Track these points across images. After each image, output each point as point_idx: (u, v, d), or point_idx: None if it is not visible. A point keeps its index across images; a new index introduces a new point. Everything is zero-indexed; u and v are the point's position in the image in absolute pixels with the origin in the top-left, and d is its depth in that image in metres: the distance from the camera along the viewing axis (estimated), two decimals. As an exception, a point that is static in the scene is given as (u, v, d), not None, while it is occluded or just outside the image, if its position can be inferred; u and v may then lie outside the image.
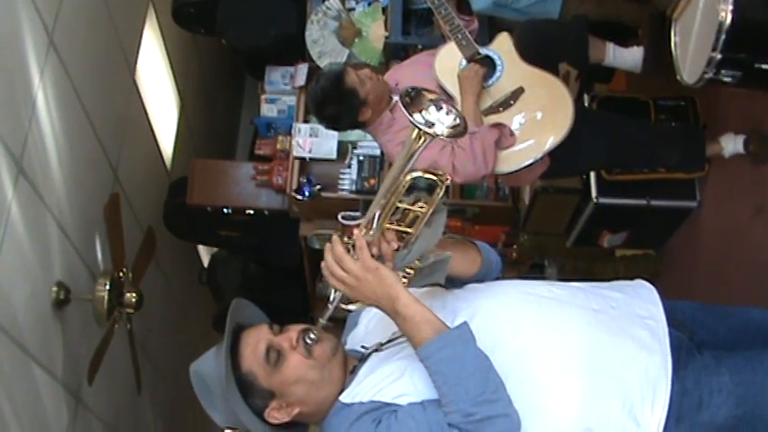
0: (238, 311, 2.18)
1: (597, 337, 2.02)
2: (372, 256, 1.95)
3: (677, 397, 1.98)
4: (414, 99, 1.82)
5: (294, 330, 2.09)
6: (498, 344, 1.98)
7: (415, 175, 1.91)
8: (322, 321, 2.08)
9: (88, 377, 4.34)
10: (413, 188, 1.96)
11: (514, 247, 5.67)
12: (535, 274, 5.78)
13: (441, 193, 1.95)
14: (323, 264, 2.01)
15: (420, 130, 1.79)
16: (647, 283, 2.26)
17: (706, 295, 4.27)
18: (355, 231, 1.96)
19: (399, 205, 1.96)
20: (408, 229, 1.99)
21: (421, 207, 1.97)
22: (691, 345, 2.12)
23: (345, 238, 1.98)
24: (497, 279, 2.30)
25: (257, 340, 2.08)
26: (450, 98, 3.69)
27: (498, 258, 2.32)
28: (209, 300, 7.57)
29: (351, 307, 2.06)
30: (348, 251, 1.97)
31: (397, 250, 1.99)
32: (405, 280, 2.03)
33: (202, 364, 2.15)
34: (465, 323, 1.95)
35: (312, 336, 2.06)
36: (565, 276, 5.50)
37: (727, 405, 2.01)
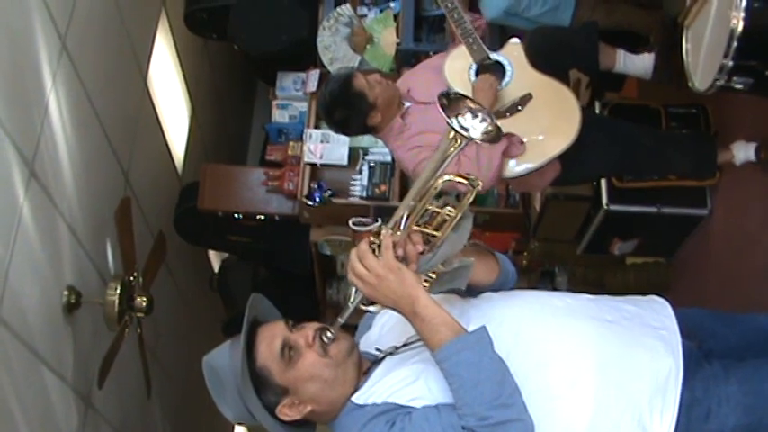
0: (256, 306, 2.19)
1: (610, 347, 2.02)
2: (397, 257, 1.95)
3: (686, 406, 1.98)
4: (452, 102, 1.84)
5: (311, 328, 2.10)
6: (512, 353, 1.97)
7: (447, 178, 1.91)
8: (340, 320, 2.07)
9: (98, 381, 4.35)
10: (442, 192, 1.97)
11: (525, 254, 5.66)
12: (545, 281, 5.77)
13: (471, 197, 1.95)
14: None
15: (456, 132, 1.80)
16: (660, 298, 2.26)
17: (717, 303, 4.26)
18: (383, 231, 1.96)
19: (429, 208, 1.96)
20: (435, 233, 1.99)
21: (449, 211, 1.98)
22: (699, 354, 2.12)
23: (372, 238, 1.97)
24: (512, 289, 2.30)
25: (273, 336, 2.09)
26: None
27: (514, 269, 2.33)
28: (219, 305, 7.58)
29: (370, 308, 2.06)
30: (373, 251, 1.96)
31: (422, 253, 1.99)
32: (426, 284, 2.03)
33: (216, 357, 2.16)
34: (483, 327, 1.94)
35: (329, 334, 2.06)
36: (575, 283, 5.49)
37: (735, 415, 2.01)
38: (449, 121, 1.80)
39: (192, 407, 6.70)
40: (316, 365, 2.06)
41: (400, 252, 1.97)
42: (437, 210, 1.98)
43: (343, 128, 3.85)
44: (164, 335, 6.11)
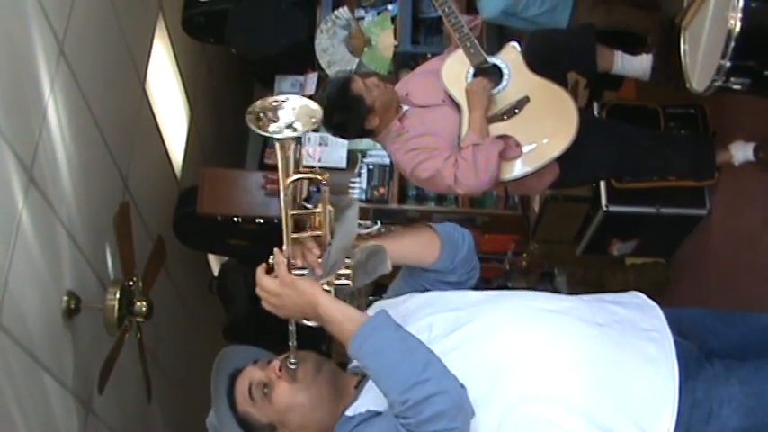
0: (226, 361, 2.23)
1: (602, 350, 2.00)
2: (302, 267, 1.98)
3: (687, 408, 1.95)
4: (258, 115, 1.84)
5: (278, 359, 2.13)
6: (503, 358, 1.96)
7: (293, 178, 1.91)
8: (293, 344, 2.10)
9: (98, 386, 4.35)
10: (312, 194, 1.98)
11: (524, 255, 5.67)
12: (545, 282, 5.78)
13: (326, 190, 1.96)
14: None
15: (279, 140, 1.82)
16: (645, 296, 2.24)
17: (717, 303, 4.26)
18: (275, 250, 1.99)
19: (297, 213, 1.97)
20: (318, 232, 2.00)
21: (315, 207, 1.99)
22: (700, 354, 2.10)
23: (270, 260, 2.00)
24: (505, 289, 2.29)
25: (244, 381, 2.14)
26: (456, 106, 3.71)
27: (462, 232, 2.29)
28: (219, 308, 7.58)
29: (310, 323, 2.05)
30: (270, 272, 2.00)
31: (320, 257, 2.00)
32: (349, 282, 2.04)
33: (213, 416, 2.20)
34: (382, 311, 1.96)
35: (292, 360, 2.09)
36: (574, 284, 5.50)
37: (736, 416, 1.99)
38: (266, 134, 1.82)
39: (193, 411, 6.69)
40: (288, 394, 2.09)
41: (300, 262, 1.99)
42: (312, 211, 1.99)
43: (341, 131, 3.86)
44: (164, 339, 6.11)
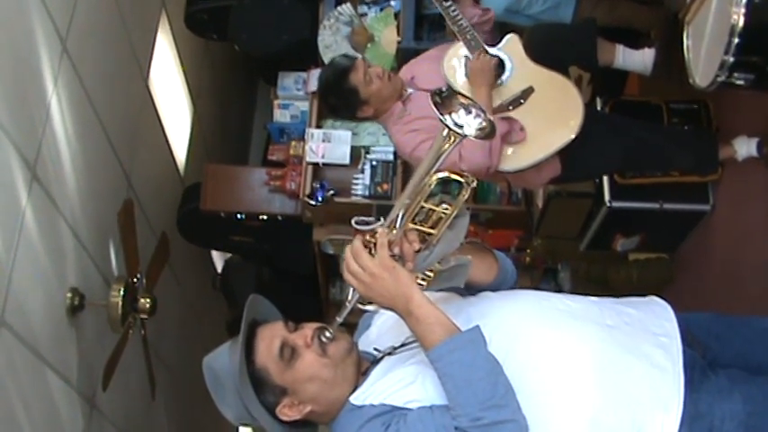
0: (254, 307, 2.18)
1: (610, 353, 2.00)
2: (393, 255, 1.94)
3: (688, 420, 1.95)
4: (445, 100, 1.83)
5: (309, 328, 2.09)
6: (510, 355, 1.96)
7: (441, 175, 1.90)
8: (338, 320, 2.06)
9: (102, 383, 4.35)
10: (437, 190, 1.96)
11: (527, 251, 5.66)
12: (548, 278, 5.77)
13: (466, 195, 1.94)
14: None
15: (450, 129, 1.79)
16: (661, 300, 2.24)
17: (720, 299, 4.26)
18: (378, 230, 1.94)
19: (424, 205, 1.95)
20: (431, 231, 1.98)
21: (445, 209, 1.97)
22: (704, 363, 2.10)
23: (368, 237, 1.95)
24: (512, 288, 2.29)
25: (272, 336, 2.08)
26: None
27: (513, 268, 2.30)
28: (223, 305, 7.58)
29: (368, 307, 2.04)
30: (368, 249, 1.95)
31: (418, 251, 1.97)
32: (424, 283, 2.02)
33: (216, 358, 2.15)
34: (477, 327, 1.93)
35: (327, 334, 2.05)
36: (578, 280, 5.49)
37: None
38: (442, 118, 1.79)
39: (197, 407, 6.70)
40: (314, 366, 2.05)
41: (396, 250, 1.95)
42: (433, 207, 1.97)
43: (335, 113, 3.92)
44: (168, 336, 6.12)
